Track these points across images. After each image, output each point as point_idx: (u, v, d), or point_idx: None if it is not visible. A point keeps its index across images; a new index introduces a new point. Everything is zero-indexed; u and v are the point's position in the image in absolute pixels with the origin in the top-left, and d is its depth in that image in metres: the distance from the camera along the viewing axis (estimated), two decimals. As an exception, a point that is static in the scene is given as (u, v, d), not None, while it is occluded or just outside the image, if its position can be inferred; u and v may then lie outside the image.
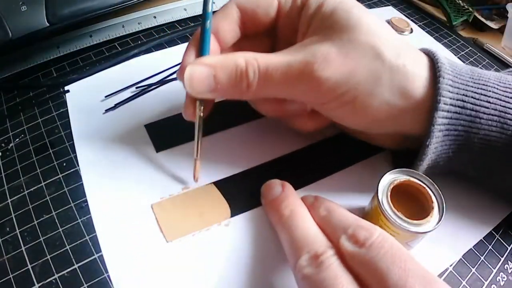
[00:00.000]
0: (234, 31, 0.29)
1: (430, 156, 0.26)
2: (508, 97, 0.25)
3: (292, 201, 0.27)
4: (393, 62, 0.24)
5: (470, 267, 0.28)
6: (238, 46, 0.30)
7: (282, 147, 0.35)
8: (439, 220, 0.25)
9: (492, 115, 0.25)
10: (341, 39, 0.24)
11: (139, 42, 0.47)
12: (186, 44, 0.45)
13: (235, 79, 0.25)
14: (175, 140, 0.35)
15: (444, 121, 0.25)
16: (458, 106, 0.25)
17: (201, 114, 0.28)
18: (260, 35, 0.31)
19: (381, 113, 0.25)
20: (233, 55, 0.25)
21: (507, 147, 0.25)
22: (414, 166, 0.27)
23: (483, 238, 0.30)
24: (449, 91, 0.25)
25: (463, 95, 0.25)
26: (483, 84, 0.26)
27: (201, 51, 0.27)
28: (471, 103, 0.25)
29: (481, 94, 0.25)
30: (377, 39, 0.24)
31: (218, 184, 0.32)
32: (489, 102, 0.25)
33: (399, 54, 0.24)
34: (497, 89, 0.25)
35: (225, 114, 0.35)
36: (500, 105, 0.25)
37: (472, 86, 0.25)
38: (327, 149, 0.35)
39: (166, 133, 0.36)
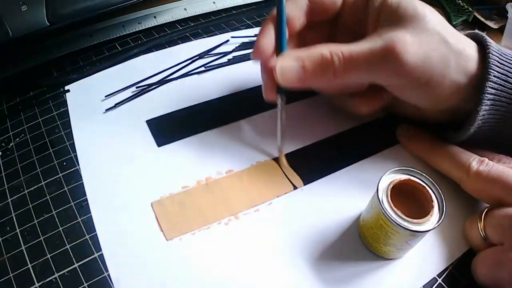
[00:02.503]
0: (302, 18, 0.32)
1: (478, 123, 0.29)
2: None
3: (432, 135, 0.33)
4: (456, 47, 0.28)
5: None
6: (299, 36, 0.33)
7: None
8: (440, 219, 0.25)
9: None
10: (413, 27, 0.27)
11: (139, 42, 0.47)
12: (186, 44, 0.46)
13: (322, 68, 0.28)
14: (177, 134, 0.35)
15: (492, 91, 0.28)
16: (503, 80, 0.28)
17: (283, 107, 0.31)
18: (320, 25, 0.34)
19: (449, 91, 0.28)
20: (317, 47, 0.28)
21: None
22: (462, 131, 0.30)
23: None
24: (497, 66, 0.28)
25: (507, 71, 0.28)
26: None
27: (278, 41, 0.30)
28: None
29: None
30: (441, 27, 0.28)
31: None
32: None
33: (459, 40, 0.28)
34: None
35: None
36: None
37: None
38: (334, 145, 0.35)
39: (168, 128, 0.36)
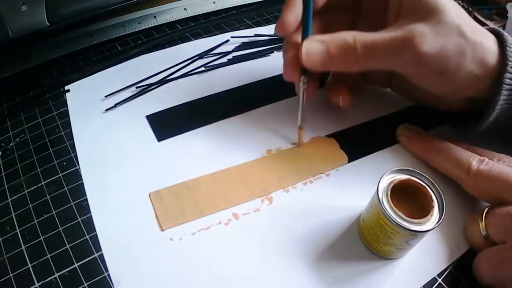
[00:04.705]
0: None
1: (496, 112, 0.30)
2: None
3: (431, 136, 0.34)
4: (473, 39, 0.28)
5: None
6: (323, 19, 0.34)
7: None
8: (440, 219, 0.25)
9: None
10: (432, 20, 0.28)
11: (139, 42, 0.47)
12: (186, 44, 0.46)
13: (345, 52, 0.29)
14: (177, 129, 0.36)
15: (510, 82, 0.29)
16: None
17: (305, 87, 0.32)
18: (343, 10, 0.35)
19: (465, 81, 0.29)
20: (341, 33, 0.30)
21: None
22: (481, 121, 0.31)
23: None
24: None
25: None
26: None
27: (305, 25, 0.31)
28: None
29: None
30: (459, 20, 0.28)
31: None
32: None
33: (476, 32, 0.29)
34: None
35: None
36: None
37: None
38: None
39: (168, 122, 0.36)
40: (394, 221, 0.24)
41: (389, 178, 0.26)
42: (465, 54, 0.28)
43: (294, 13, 0.31)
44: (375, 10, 0.34)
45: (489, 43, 0.29)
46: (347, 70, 0.31)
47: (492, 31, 0.31)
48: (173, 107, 0.38)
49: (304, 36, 0.31)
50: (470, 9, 0.52)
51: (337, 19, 0.35)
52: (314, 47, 0.30)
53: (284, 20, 0.31)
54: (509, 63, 0.29)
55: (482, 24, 0.51)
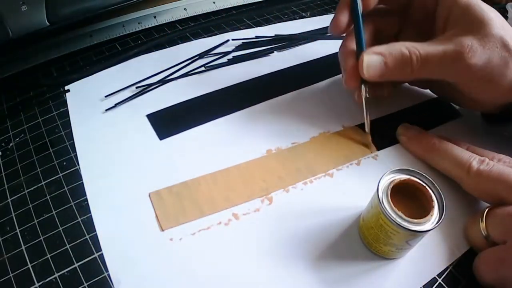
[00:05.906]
0: None
1: None
2: None
3: (431, 135, 0.34)
4: None
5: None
6: (373, 24, 0.36)
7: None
8: (440, 219, 0.25)
9: None
10: (479, 33, 0.30)
11: (139, 42, 0.47)
12: (186, 44, 0.46)
13: (402, 64, 0.31)
14: (179, 126, 0.36)
15: None
16: None
17: (367, 95, 0.34)
18: (390, 14, 0.37)
19: (508, 88, 0.31)
20: (396, 44, 0.31)
21: None
22: None
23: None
24: None
25: None
26: None
27: (358, 41, 0.34)
28: None
29: None
30: (503, 32, 0.30)
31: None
32: None
33: None
34: None
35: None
36: None
37: None
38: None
39: (169, 121, 0.36)
40: (394, 221, 0.24)
41: (389, 178, 0.27)
42: (508, 65, 0.30)
43: (347, 13, 0.34)
44: (423, 16, 0.35)
45: None
46: (401, 79, 0.33)
47: None
48: (174, 105, 0.38)
49: (359, 49, 0.33)
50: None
51: (385, 24, 0.37)
52: (373, 60, 0.31)
53: (338, 19, 0.34)
54: None
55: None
